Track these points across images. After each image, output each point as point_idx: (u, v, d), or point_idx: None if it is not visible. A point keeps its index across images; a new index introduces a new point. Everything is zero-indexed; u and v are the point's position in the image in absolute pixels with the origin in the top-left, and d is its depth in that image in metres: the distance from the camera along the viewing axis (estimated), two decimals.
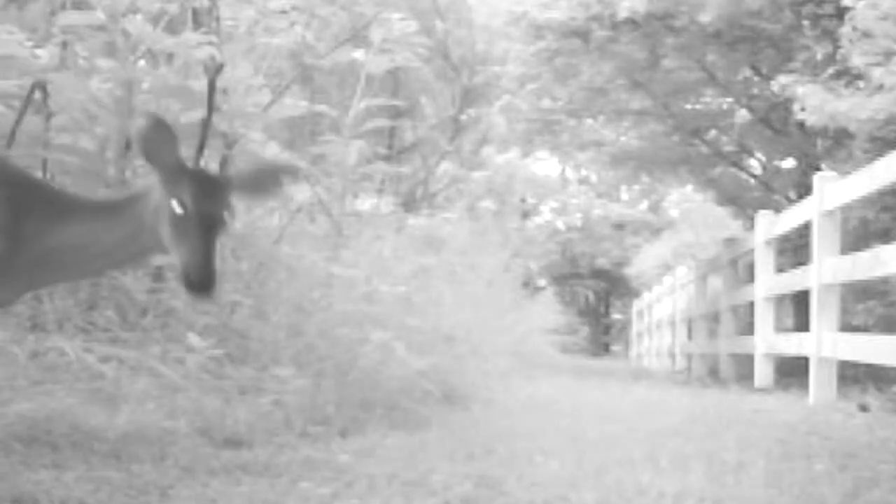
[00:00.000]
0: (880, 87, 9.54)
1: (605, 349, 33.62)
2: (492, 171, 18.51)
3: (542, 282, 27.99)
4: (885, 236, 9.58)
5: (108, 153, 5.16)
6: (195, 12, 5.49)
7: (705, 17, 12.25)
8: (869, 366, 7.97)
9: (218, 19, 5.40)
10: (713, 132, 15.82)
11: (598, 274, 33.58)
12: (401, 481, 3.23)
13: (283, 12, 5.67)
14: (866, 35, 9.68)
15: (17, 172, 2.75)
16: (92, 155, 5.16)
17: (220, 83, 5.18)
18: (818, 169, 11.88)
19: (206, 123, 5.21)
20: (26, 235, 2.56)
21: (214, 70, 5.31)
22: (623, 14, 12.82)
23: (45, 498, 2.77)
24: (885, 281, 8.85)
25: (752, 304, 10.66)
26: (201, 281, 2.44)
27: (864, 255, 6.84)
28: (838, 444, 4.83)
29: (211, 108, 5.31)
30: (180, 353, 4.34)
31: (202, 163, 5.32)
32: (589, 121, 16.96)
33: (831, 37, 11.25)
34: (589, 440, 4.61)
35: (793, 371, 9.81)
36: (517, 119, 16.68)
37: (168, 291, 4.87)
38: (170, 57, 5.43)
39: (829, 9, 11.51)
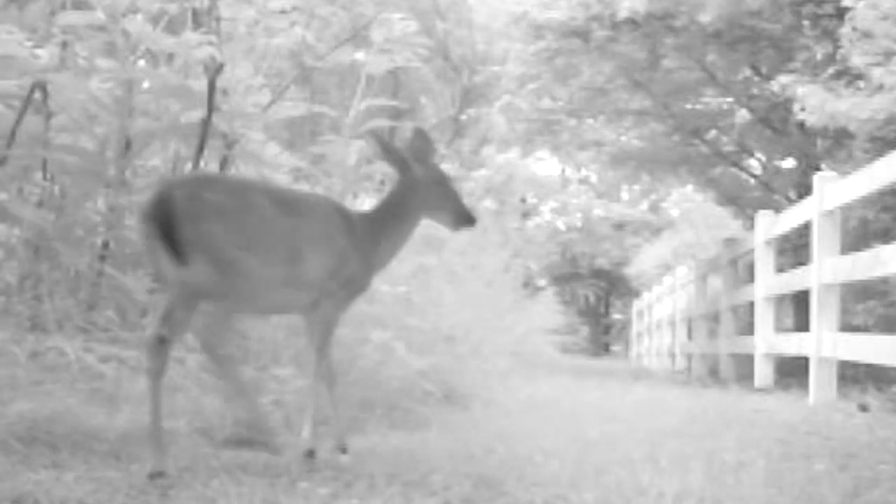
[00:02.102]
0: (880, 87, 9.56)
1: (605, 349, 33.67)
2: (492, 171, 18.51)
3: (542, 282, 28.02)
4: (885, 236, 9.59)
5: (108, 153, 5.17)
6: (195, 12, 5.49)
7: (705, 17, 12.25)
8: (869, 366, 7.98)
9: (218, 19, 5.41)
10: (713, 132, 15.82)
11: (598, 274, 33.65)
12: (401, 481, 3.24)
13: (283, 12, 5.67)
14: (866, 35, 9.70)
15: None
16: (92, 155, 5.17)
17: (219, 83, 5.19)
18: (818, 169, 11.90)
19: (206, 123, 5.22)
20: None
21: (214, 70, 5.32)
22: (623, 14, 12.83)
23: (45, 498, 2.77)
24: (884, 281, 8.87)
25: (752, 304, 10.67)
26: (473, 218, 4.00)
27: (864, 255, 6.86)
28: (838, 444, 4.84)
29: (211, 108, 5.31)
30: (180, 353, 4.34)
31: (202, 163, 5.33)
32: (589, 121, 16.96)
33: (831, 37, 11.28)
34: (589, 440, 4.61)
35: (793, 371, 9.83)
36: (517, 119, 16.70)
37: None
38: (170, 57, 5.44)
39: (829, 9, 11.53)
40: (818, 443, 4.97)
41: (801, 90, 10.57)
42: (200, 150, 5.38)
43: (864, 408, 6.87)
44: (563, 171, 35.61)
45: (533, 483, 3.33)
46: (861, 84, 10.29)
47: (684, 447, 4.33)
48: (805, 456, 4.30)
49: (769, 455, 4.15)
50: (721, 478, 3.51)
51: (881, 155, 6.95)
